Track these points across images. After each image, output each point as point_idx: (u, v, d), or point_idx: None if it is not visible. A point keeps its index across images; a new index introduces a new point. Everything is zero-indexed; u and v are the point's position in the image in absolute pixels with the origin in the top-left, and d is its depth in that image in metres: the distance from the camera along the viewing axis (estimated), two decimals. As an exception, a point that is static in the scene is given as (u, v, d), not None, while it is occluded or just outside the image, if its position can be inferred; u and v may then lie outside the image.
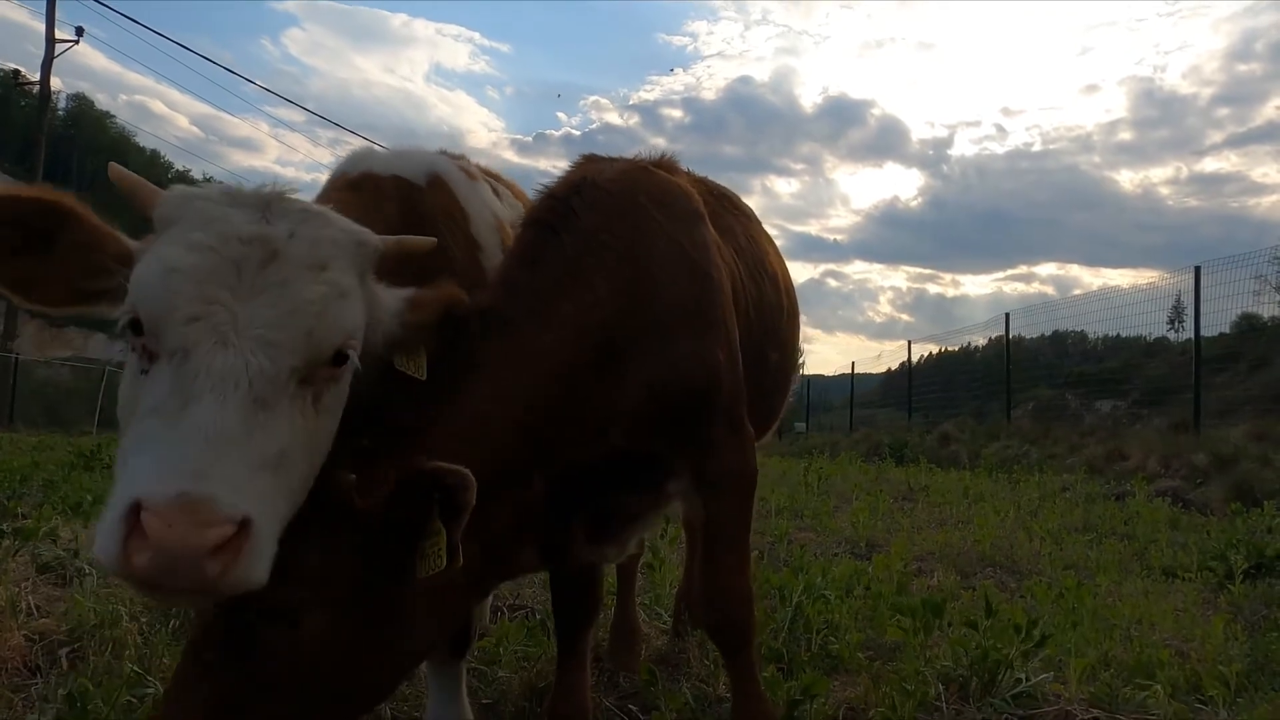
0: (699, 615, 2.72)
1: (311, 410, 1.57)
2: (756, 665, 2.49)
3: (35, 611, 3.50)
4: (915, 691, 2.69)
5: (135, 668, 2.78)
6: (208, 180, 1.77)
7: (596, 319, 2.07)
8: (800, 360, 3.50)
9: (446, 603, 1.84)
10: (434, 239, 1.95)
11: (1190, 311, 15.85)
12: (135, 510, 1.29)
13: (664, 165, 2.67)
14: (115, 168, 1.70)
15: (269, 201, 1.62)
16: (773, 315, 2.89)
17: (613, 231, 2.19)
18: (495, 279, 2.17)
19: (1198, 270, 15.65)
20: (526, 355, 1.98)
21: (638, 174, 2.44)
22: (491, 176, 2.88)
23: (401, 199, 2.25)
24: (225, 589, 1.34)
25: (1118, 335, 24.03)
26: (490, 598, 3.81)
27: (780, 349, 3.00)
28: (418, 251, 1.88)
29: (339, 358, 1.61)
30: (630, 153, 2.73)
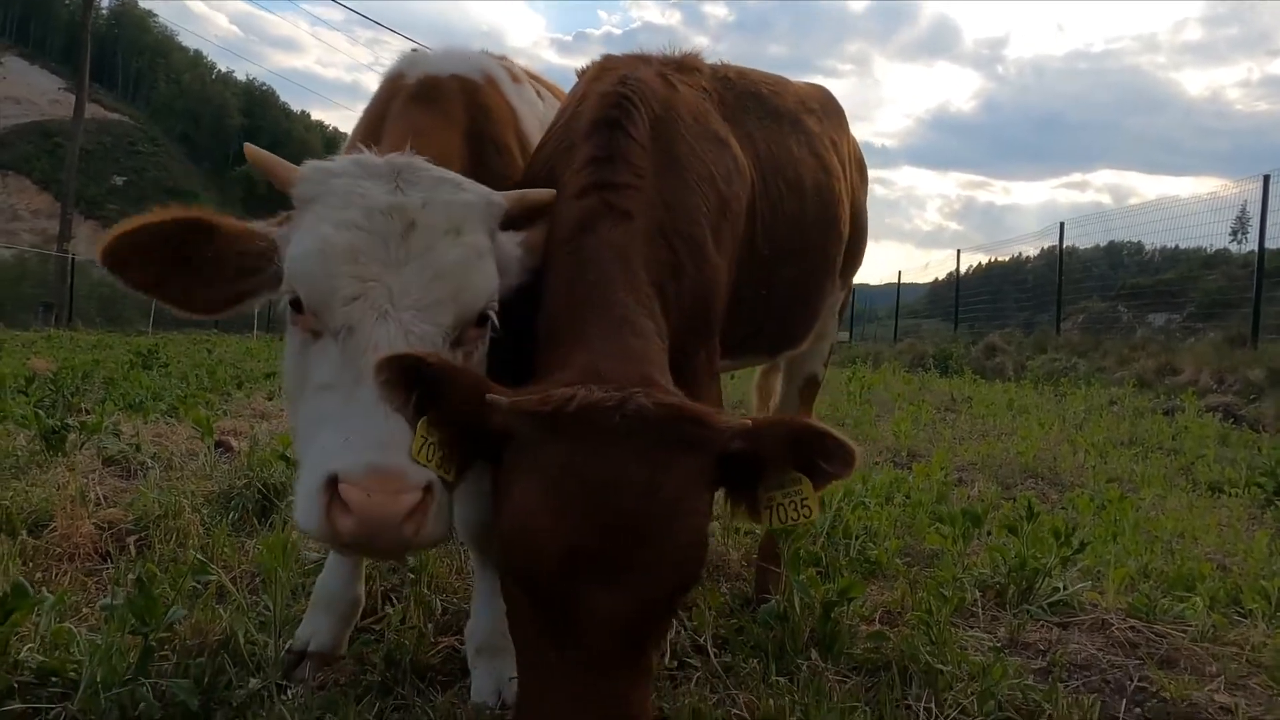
0: None
1: None
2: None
3: (103, 501, 3.67)
4: (952, 597, 2.72)
5: (199, 555, 2.91)
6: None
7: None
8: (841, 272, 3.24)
9: None
10: (554, 191, 1.96)
11: (1255, 222, 15.29)
12: (333, 482, 1.43)
13: (686, 66, 2.54)
14: (251, 149, 1.81)
15: (399, 170, 1.70)
16: (790, 228, 2.69)
17: (651, 147, 2.11)
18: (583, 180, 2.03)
19: (1266, 179, 15.00)
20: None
21: (670, 85, 2.35)
22: (533, 78, 2.82)
23: (466, 96, 2.22)
24: (418, 546, 1.51)
25: (1176, 247, 23.28)
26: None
27: (799, 263, 2.80)
28: (539, 205, 1.92)
29: (481, 319, 1.71)
30: (656, 51, 2.58)
